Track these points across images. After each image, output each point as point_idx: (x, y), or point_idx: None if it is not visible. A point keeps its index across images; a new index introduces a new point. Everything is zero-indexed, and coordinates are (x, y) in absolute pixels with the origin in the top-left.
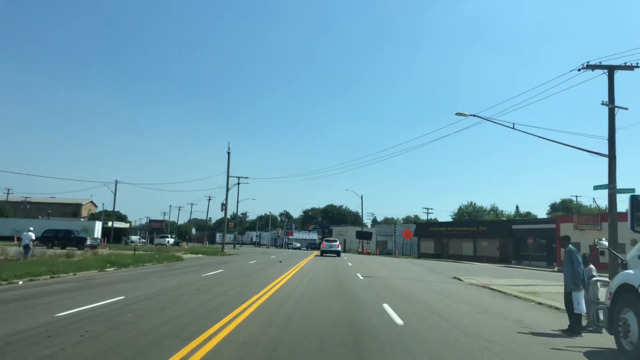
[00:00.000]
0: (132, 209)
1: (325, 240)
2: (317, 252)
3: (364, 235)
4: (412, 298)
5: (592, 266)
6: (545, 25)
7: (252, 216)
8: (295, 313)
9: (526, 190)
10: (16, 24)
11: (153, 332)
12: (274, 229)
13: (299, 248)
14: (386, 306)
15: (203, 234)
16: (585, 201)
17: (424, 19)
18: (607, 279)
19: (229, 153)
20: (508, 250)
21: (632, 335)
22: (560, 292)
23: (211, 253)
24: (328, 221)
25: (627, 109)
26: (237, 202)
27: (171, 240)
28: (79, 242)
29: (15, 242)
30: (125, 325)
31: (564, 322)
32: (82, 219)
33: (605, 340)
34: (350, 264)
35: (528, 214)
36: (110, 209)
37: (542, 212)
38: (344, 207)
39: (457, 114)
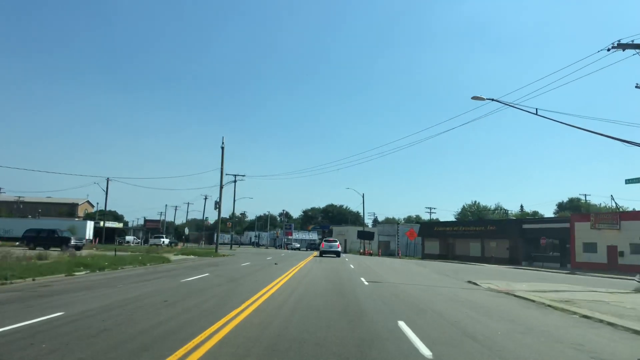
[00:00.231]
0: (130, 208)
1: (325, 241)
2: (316, 253)
3: (366, 235)
4: (431, 312)
5: None
6: (547, 25)
7: (251, 216)
8: (281, 341)
9: (530, 189)
10: (16, 22)
11: None
12: (273, 229)
13: (298, 248)
14: (402, 325)
15: (201, 234)
16: (595, 200)
17: (425, 19)
18: None
19: (222, 148)
20: (518, 250)
21: None
22: (599, 300)
23: (204, 254)
24: (328, 221)
25: None
26: (234, 200)
27: (166, 241)
28: (62, 243)
29: None
30: None
31: (635, 345)
32: (76, 219)
33: None
34: (352, 266)
35: (536, 213)
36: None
37: (548, 212)
38: (344, 206)
39: (473, 97)
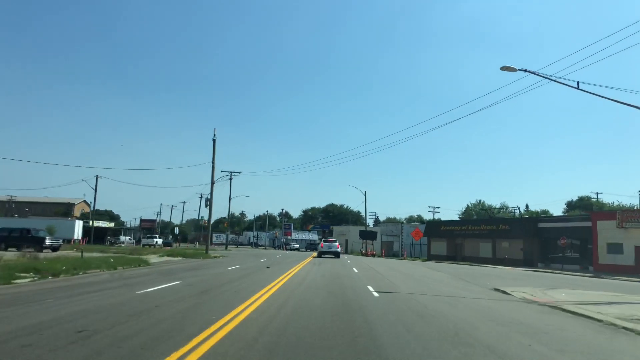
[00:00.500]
0: (127, 208)
1: (324, 241)
2: (315, 254)
3: (368, 235)
4: (479, 345)
5: None
6: (547, 25)
7: (250, 216)
8: None
9: (535, 189)
10: (12, 17)
11: None
12: (272, 229)
13: (297, 249)
14: None
15: (198, 234)
16: (607, 198)
17: (425, 19)
18: None
19: (214, 140)
20: (533, 251)
21: None
22: None
23: (192, 255)
24: (329, 221)
25: None
26: (230, 198)
27: (159, 241)
28: (37, 243)
29: None
30: None
31: None
32: (69, 219)
33: None
34: (355, 270)
35: (546, 211)
36: (100, 208)
37: (556, 210)
38: (345, 206)
39: (502, 68)
